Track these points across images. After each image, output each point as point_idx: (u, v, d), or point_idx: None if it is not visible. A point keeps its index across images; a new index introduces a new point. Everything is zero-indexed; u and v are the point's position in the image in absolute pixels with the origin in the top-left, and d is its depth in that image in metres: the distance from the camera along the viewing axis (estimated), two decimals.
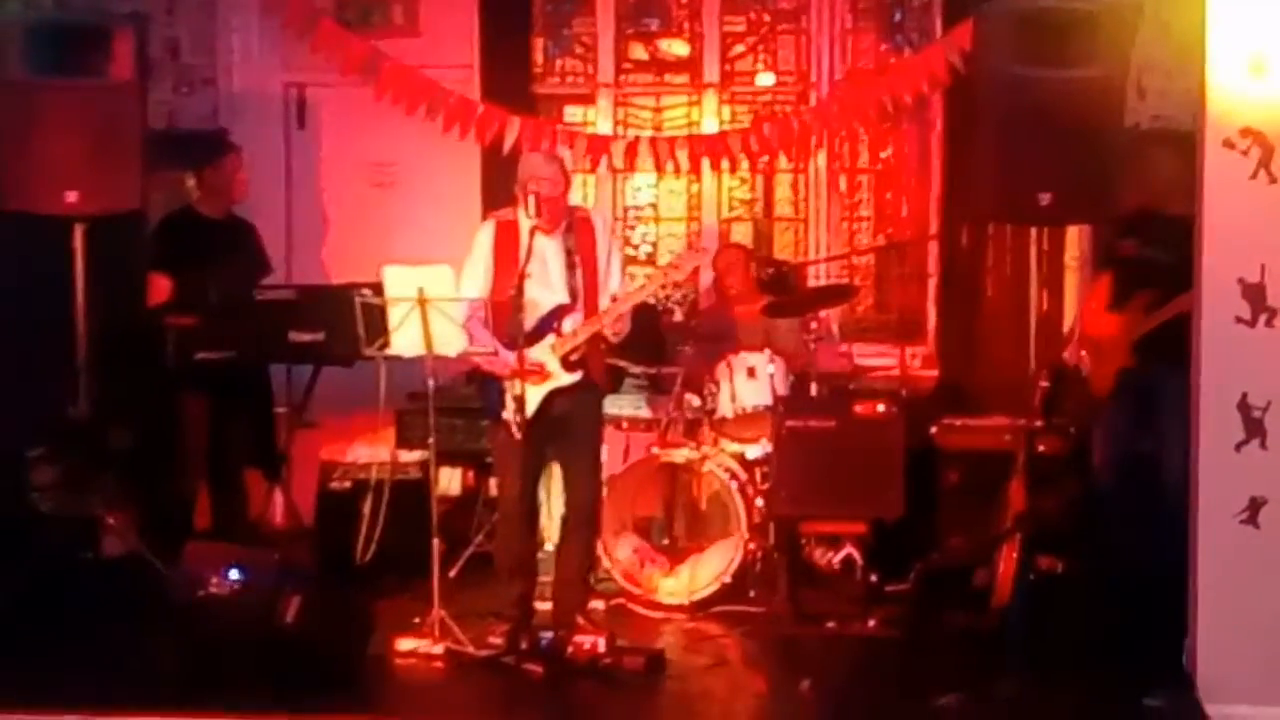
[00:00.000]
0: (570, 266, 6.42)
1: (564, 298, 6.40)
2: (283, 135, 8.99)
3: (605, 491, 7.00)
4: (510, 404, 6.23)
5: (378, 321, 6.27)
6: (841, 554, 7.51)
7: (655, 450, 7.43)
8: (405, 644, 6.22)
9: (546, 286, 6.38)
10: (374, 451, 7.70)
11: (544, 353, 6.34)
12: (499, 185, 8.28)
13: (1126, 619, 6.15)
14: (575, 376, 6.39)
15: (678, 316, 8.82)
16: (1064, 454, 7.05)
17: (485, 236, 6.49)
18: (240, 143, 8.20)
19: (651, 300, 7.92)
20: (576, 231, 6.45)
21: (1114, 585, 6.35)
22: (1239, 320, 5.52)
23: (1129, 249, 6.81)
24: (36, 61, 6.88)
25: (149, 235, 7.66)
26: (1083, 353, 6.86)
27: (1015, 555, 6.35)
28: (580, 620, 6.46)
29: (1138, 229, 6.76)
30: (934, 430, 7.65)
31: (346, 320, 6.35)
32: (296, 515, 7.96)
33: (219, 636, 5.85)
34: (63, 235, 6.99)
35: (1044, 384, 6.76)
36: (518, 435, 6.23)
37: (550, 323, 6.38)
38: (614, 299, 6.41)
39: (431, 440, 6.48)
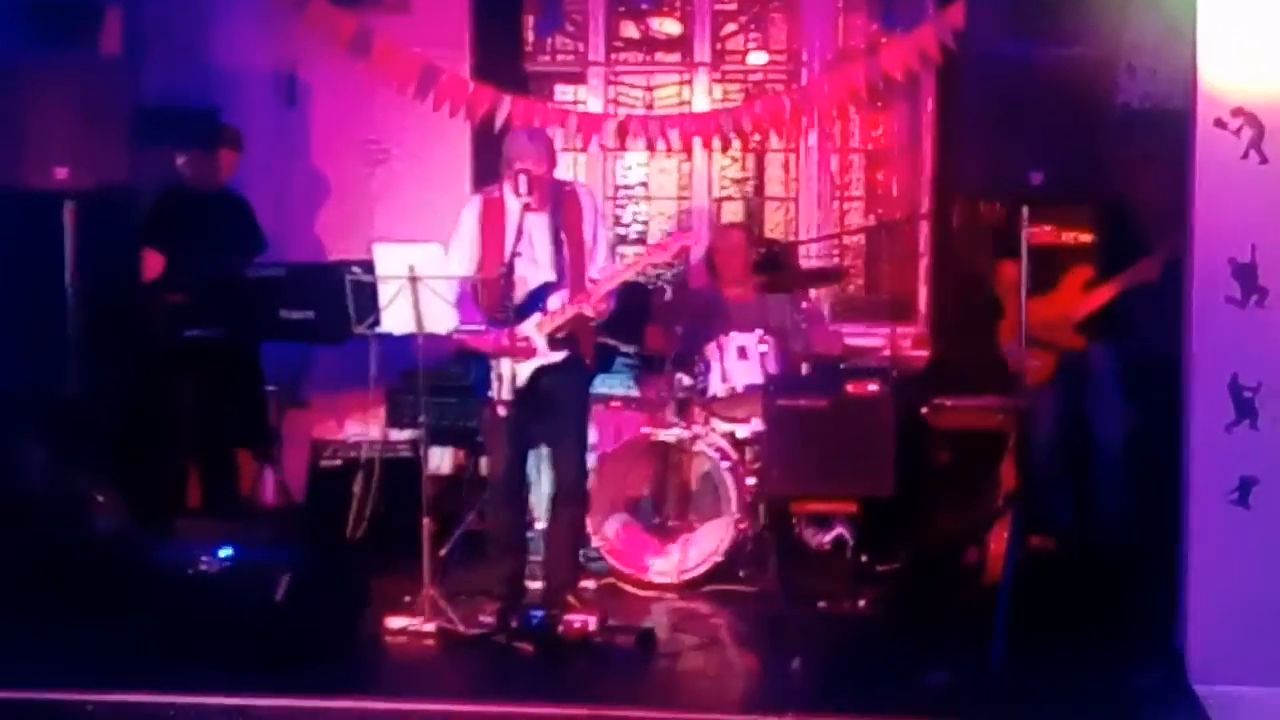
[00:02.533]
0: (556, 243, 6.41)
1: (550, 275, 6.40)
2: (273, 112, 8.95)
3: (596, 471, 7.01)
4: (495, 381, 6.23)
5: (368, 299, 6.25)
6: (832, 534, 7.53)
7: (646, 430, 7.43)
8: (396, 622, 6.21)
9: (533, 263, 6.38)
10: (365, 430, 7.70)
11: (530, 330, 6.34)
12: (489, 163, 8.25)
13: (1117, 598, 6.18)
14: (561, 354, 6.39)
15: (668, 296, 8.81)
16: None
17: (471, 214, 6.49)
18: (230, 120, 8.19)
19: (642, 279, 7.91)
20: (564, 207, 6.45)
21: (1104, 564, 6.38)
22: (1229, 300, 5.52)
23: (1043, 236, 6.82)
24: (26, 36, 6.84)
25: (143, 211, 7.66)
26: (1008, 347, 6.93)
27: (1006, 534, 6.36)
28: (571, 599, 6.47)
29: (1050, 213, 6.78)
30: (925, 410, 7.66)
31: (337, 298, 6.33)
32: (287, 493, 7.97)
33: (209, 615, 5.84)
34: (52, 211, 6.96)
35: (1036, 363, 6.78)
36: (503, 412, 6.24)
37: (537, 300, 6.38)
38: (593, 281, 6.40)
39: (423, 419, 6.48)
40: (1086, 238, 6.84)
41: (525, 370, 6.31)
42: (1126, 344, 6.72)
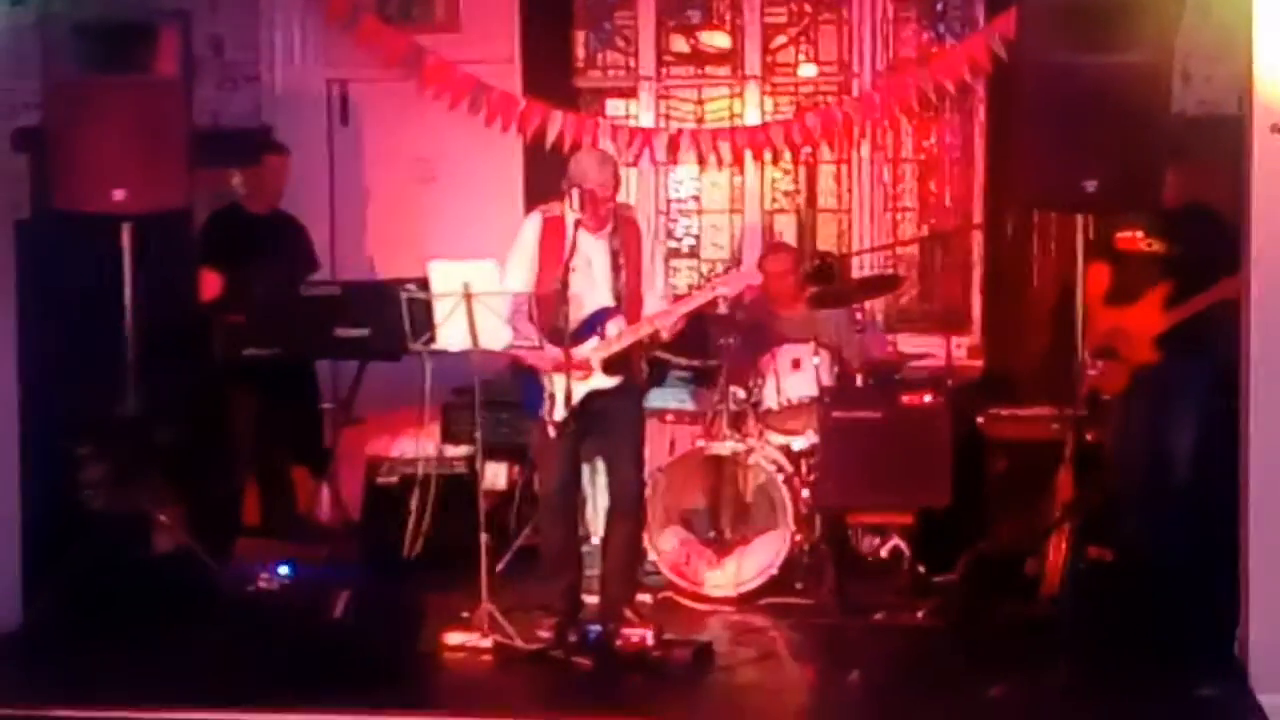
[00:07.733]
0: (616, 269, 6.43)
1: (609, 300, 6.41)
2: (325, 131, 9.01)
3: (651, 484, 7.00)
4: (548, 402, 6.25)
5: (423, 317, 6.27)
6: (889, 545, 7.49)
7: (700, 443, 7.42)
8: (454, 638, 6.23)
9: (591, 284, 6.38)
10: (420, 446, 7.73)
11: (588, 353, 6.35)
12: (541, 179, 8.31)
13: (1177, 608, 6.13)
14: (615, 380, 6.40)
15: (722, 309, 8.79)
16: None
17: (531, 230, 6.49)
18: (283, 139, 8.25)
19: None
20: (622, 232, 6.46)
21: (1164, 575, 6.33)
22: None
23: (1135, 243, 6.78)
24: (84, 59, 6.90)
25: (198, 232, 7.72)
26: (1087, 355, 6.84)
27: (1065, 544, 6.33)
28: (627, 613, 6.47)
29: (1143, 221, 6.74)
30: (980, 420, 7.63)
31: (392, 316, 6.36)
32: (343, 511, 7.99)
33: (268, 632, 5.88)
34: (110, 233, 7.02)
35: (1092, 372, 6.74)
36: (553, 434, 6.26)
37: (594, 325, 6.39)
38: (653, 317, 6.42)
39: (478, 435, 6.49)
40: (1172, 248, 6.74)
41: (578, 392, 6.31)
42: (1203, 358, 6.61)
